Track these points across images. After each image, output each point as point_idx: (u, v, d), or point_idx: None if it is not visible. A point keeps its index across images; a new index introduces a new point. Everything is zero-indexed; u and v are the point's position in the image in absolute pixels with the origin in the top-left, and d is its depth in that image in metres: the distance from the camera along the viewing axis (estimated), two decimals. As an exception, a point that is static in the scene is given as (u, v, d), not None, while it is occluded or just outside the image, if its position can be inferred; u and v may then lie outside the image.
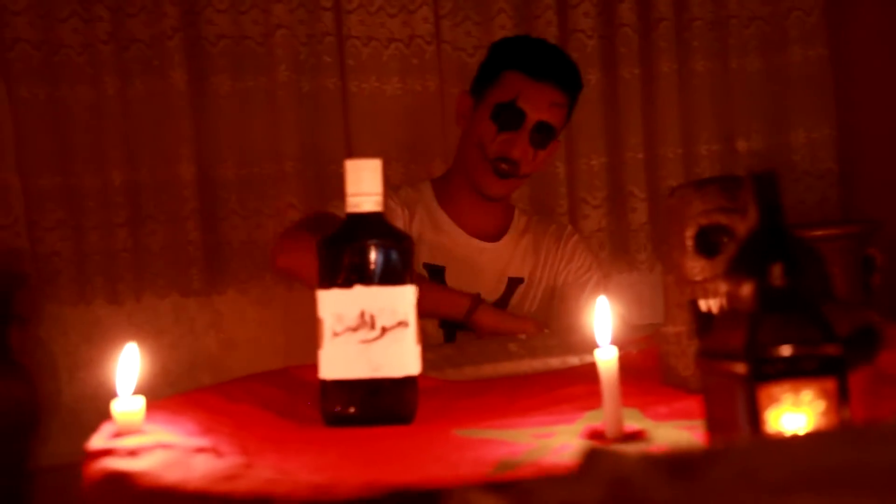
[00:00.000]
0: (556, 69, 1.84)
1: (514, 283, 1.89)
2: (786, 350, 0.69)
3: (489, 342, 1.38)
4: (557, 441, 0.96)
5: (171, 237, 2.32)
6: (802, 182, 2.58)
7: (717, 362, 0.72)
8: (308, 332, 1.12)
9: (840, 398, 0.69)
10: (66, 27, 2.26)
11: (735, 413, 0.71)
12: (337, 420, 1.06)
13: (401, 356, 1.06)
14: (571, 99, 1.89)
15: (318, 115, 2.37)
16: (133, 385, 0.90)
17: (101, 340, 2.42)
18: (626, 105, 2.49)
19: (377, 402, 1.06)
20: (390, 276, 1.07)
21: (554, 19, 2.44)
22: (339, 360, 1.06)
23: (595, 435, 0.97)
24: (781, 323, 0.70)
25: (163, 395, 2.47)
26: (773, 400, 0.70)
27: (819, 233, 2.16)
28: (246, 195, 2.37)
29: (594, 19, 2.47)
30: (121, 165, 2.29)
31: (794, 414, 0.70)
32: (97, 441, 0.83)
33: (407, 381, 1.07)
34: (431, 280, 1.79)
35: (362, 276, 1.06)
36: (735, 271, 0.73)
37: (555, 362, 1.32)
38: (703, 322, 1.14)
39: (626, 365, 1.22)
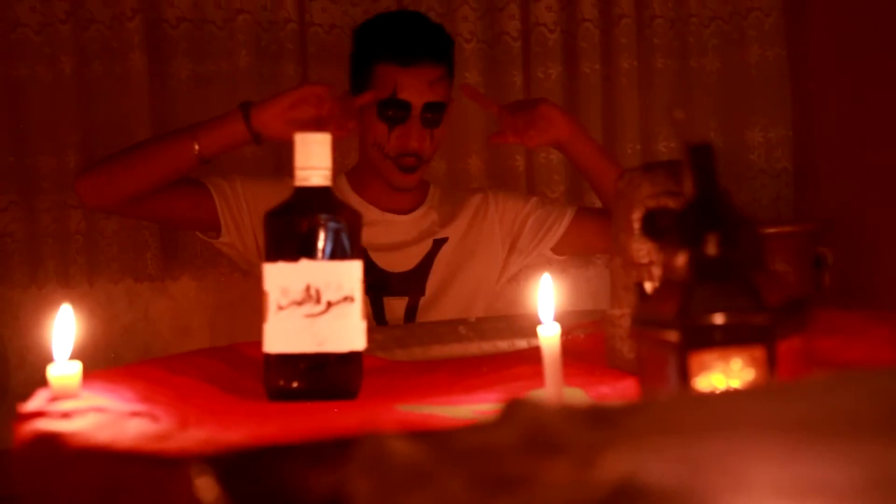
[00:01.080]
0: (424, 47, 1.83)
1: (438, 243, 1.92)
2: (718, 318, 0.70)
3: (438, 325, 1.39)
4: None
5: (126, 221, 2.30)
6: (758, 181, 2.61)
7: (650, 331, 0.73)
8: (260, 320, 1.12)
9: (768, 366, 0.70)
10: (24, 5, 2.24)
11: (667, 381, 0.71)
12: (280, 394, 1.06)
13: (346, 331, 1.06)
14: (449, 63, 1.89)
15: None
16: (69, 349, 0.90)
17: (53, 325, 2.40)
18: (586, 100, 2.50)
19: (321, 376, 1.06)
20: (337, 250, 1.07)
21: (517, 12, 2.45)
22: (283, 334, 1.05)
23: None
24: (714, 292, 0.71)
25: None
26: (704, 367, 0.70)
27: (772, 230, 2.18)
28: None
29: (557, 13, 2.48)
30: (76, 147, 2.26)
31: (723, 381, 0.71)
32: (32, 404, 0.82)
33: (351, 357, 1.07)
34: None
35: (308, 249, 1.06)
36: (670, 241, 0.74)
37: (503, 345, 1.33)
38: (643, 302, 1.15)
39: (572, 349, 1.24)
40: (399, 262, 1.88)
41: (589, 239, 1.97)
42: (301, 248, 1.06)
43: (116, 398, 0.88)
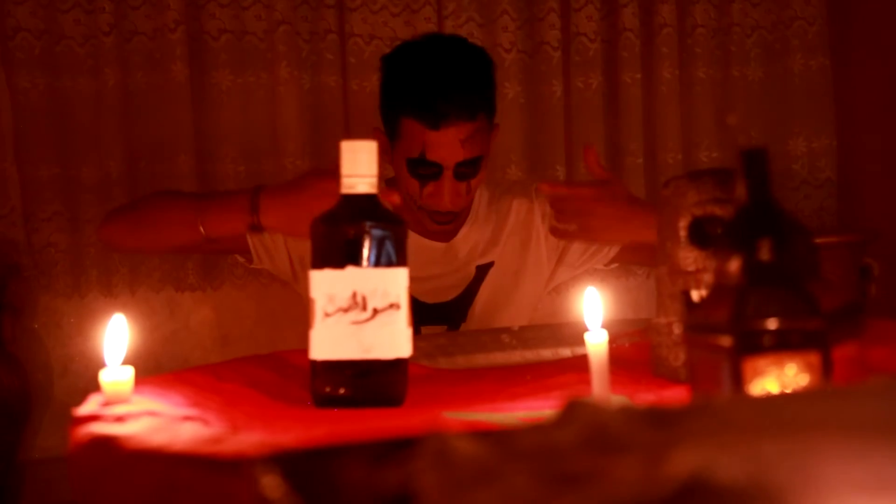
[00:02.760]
0: (452, 108, 1.65)
1: (482, 269, 1.82)
2: (771, 323, 0.70)
3: (481, 333, 1.39)
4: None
5: (168, 231, 2.33)
6: (801, 191, 2.60)
7: (703, 336, 0.73)
8: (303, 328, 1.12)
9: (823, 372, 0.69)
10: (68, 18, 2.28)
11: (720, 386, 0.71)
12: (327, 401, 1.06)
13: (392, 338, 1.07)
14: (486, 110, 1.74)
15: (318, 112, 2.39)
16: (122, 355, 0.91)
17: (96, 333, 2.43)
18: (627, 110, 2.50)
19: (367, 383, 1.07)
20: (383, 257, 1.07)
21: (557, 22, 2.46)
22: (329, 341, 1.06)
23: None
24: (767, 297, 0.71)
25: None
26: (758, 373, 0.70)
27: (818, 241, 2.17)
28: (245, 190, 2.37)
29: (597, 23, 2.49)
30: (119, 158, 2.30)
31: (777, 387, 0.70)
32: (85, 408, 0.83)
33: (397, 364, 1.07)
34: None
35: (355, 257, 1.07)
36: (723, 247, 0.74)
37: (547, 353, 1.33)
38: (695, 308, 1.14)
39: (617, 357, 1.23)
40: (438, 293, 1.79)
41: (646, 254, 1.86)
42: (347, 256, 1.06)
43: (168, 403, 0.89)
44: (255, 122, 2.38)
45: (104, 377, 0.87)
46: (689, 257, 1.15)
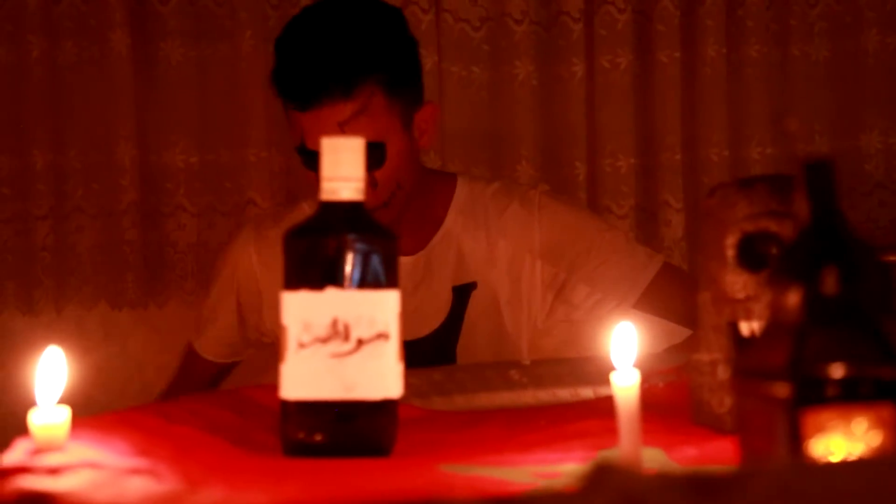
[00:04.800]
0: (321, 84, 1.66)
1: (462, 292, 1.80)
2: (837, 370, 0.72)
3: (485, 368, 1.41)
4: (563, 483, 0.98)
5: (103, 235, 2.35)
6: (874, 196, 2.62)
7: (754, 383, 0.75)
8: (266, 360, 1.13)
9: (898, 429, 0.72)
10: (-18, -25, 2.30)
11: (775, 443, 0.73)
12: (300, 449, 1.08)
13: (379, 375, 1.09)
14: (383, 86, 1.70)
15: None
16: (57, 394, 0.93)
17: (13, 356, 2.45)
18: (663, 96, 2.52)
19: (349, 428, 1.09)
20: (370, 278, 1.09)
21: (578, -14, 2.49)
22: (304, 377, 1.08)
23: (609, 476, 0.99)
24: (833, 338, 0.73)
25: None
26: (820, 428, 0.72)
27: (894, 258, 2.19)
28: (197, 188, 2.40)
29: (625, -12, 2.51)
30: (44, 145, 2.31)
31: (844, 445, 0.73)
32: (11, 457, 0.85)
33: (385, 405, 1.09)
34: None
35: (336, 276, 1.08)
36: (780, 276, 0.76)
37: (564, 394, 1.35)
38: (745, 348, 1.17)
39: (650, 400, 1.25)
40: (413, 326, 1.73)
41: (672, 304, 1.81)
42: (327, 275, 1.08)
43: (110, 451, 0.91)
44: (212, 105, 2.39)
45: (34, 419, 0.89)
46: (738, 282, 1.17)
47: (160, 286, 2.40)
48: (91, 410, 2.37)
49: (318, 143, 1.56)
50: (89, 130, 2.35)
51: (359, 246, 1.10)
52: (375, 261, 1.10)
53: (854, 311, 0.74)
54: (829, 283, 0.74)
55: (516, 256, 1.83)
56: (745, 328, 1.17)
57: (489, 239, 1.84)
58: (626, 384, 1.01)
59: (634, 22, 2.53)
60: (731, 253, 1.19)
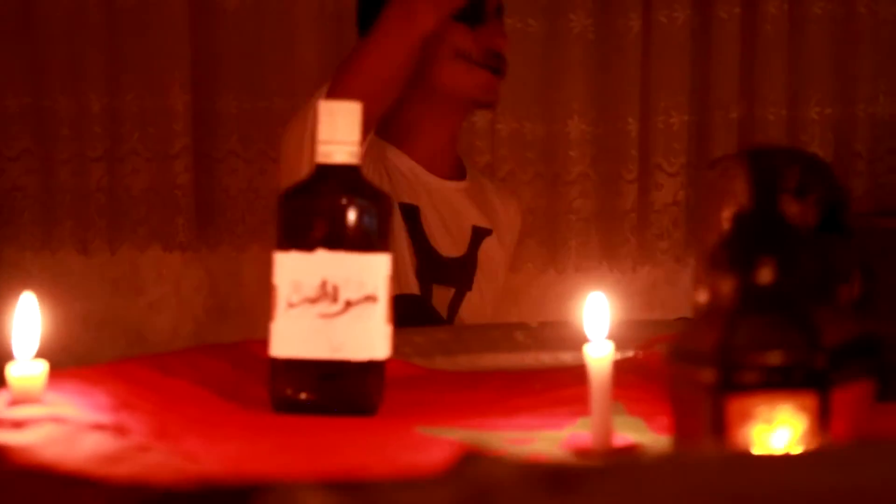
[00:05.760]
0: None
1: (479, 233, 1.98)
2: (762, 357, 0.73)
3: (491, 328, 1.43)
4: (531, 450, 1.00)
5: (157, 178, 2.41)
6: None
7: (686, 367, 0.76)
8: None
9: (821, 417, 0.72)
10: (44, -81, 2.35)
11: (702, 429, 0.75)
12: (287, 406, 1.12)
13: (366, 336, 1.12)
14: None
15: (341, 41, 2.42)
16: (33, 345, 0.97)
17: (70, 295, 2.53)
18: (720, 53, 2.50)
19: (335, 387, 1.12)
20: (361, 240, 1.12)
21: (635, -57, 2.47)
22: (293, 336, 1.11)
23: (578, 448, 1.01)
24: (762, 326, 0.74)
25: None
26: (746, 415, 0.74)
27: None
28: (250, 133, 2.44)
29: (686, -56, 2.49)
30: (101, 88, 2.37)
31: (768, 432, 0.74)
32: (-7, 408, 0.90)
33: (371, 366, 1.12)
34: (406, 219, 1.88)
35: (327, 238, 1.11)
36: (716, 262, 0.77)
37: (567, 357, 1.36)
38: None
39: (643, 368, 1.27)
40: (450, 245, 1.93)
41: None
42: (318, 236, 1.11)
43: (86, 404, 0.95)
44: (266, 52, 2.43)
45: (12, 372, 0.93)
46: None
47: (211, 229, 2.45)
48: (143, 347, 2.48)
49: None
50: (145, 75, 2.40)
51: (350, 209, 1.12)
52: (367, 224, 1.12)
53: (785, 300, 0.74)
54: (763, 272, 0.75)
55: (504, 229, 2.05)
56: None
57: (497, 204, 2.06)
58: (598, 355, 1.02)
59: (693, -28, 2.50)
60: (727, 225, 1.19)
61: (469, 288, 1.90)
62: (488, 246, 1.97)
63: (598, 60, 2.50)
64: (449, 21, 1.86)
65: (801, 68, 2.54)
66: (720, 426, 0.73)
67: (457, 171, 2.04)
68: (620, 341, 1.33)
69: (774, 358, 0.73)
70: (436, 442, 1.02)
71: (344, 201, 1.12)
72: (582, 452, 1.00)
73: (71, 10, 2.37)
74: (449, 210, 1.96)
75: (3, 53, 2.39)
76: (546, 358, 1.38)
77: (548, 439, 1.04)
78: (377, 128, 1.91)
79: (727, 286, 0.76)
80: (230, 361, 1.24)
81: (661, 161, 2.50)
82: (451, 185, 2.00)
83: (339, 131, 1.13)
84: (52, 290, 2.53)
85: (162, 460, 0.79)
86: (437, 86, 1.91)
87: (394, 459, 0.97)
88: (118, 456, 0.77)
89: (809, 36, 2.54)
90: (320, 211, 1.12)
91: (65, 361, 2.59)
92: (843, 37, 2.56)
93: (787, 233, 0.76)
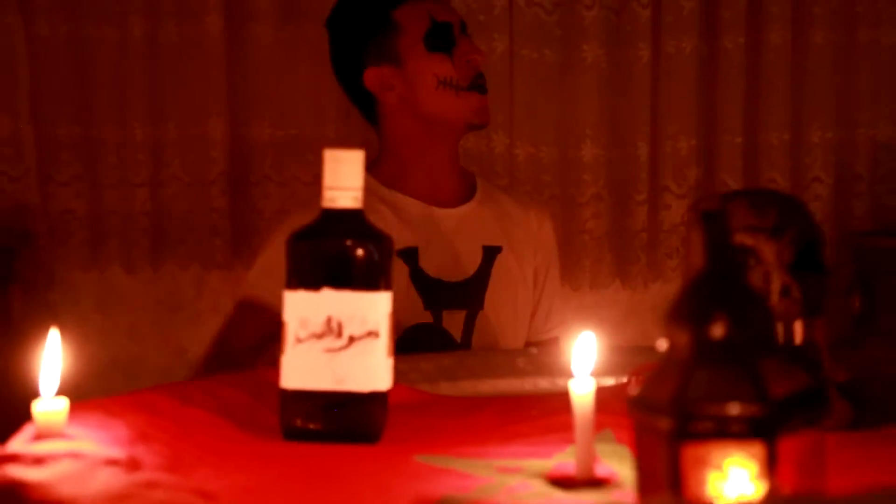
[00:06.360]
0: None
1: (490, 252, 1.93)
2: (713, 408, 0.74)
3: (495, 355, 1.45)
4: (517, 479, 1.02)
5: (195, 202, 2.44)
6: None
7: (646, 415, 0.78)
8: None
9: (768, 465, 0.74)
10: (93, -40, 2.40)
11: (661, 473, 0.77)
12: (296, 434, 1.14)
13: (368, 369, 1.14)
14: None
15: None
16: (56, 382, 1.00)
17: (117, 310, 2.58)
18: (726, 80, 2.51)
19: (340, 417, 1.14)
20: (363, 280, 1.14)
21: (647, -24, 2.48)
22: (301, 369, 1.14)
23: (562, 477, 1.03)
24: (714, 378, 0.75)
25: (179, 375, 2.59)
26: (699, 461, 0.75)
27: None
28: (282, 159, 2.47)
29: (695, -24, 2.49)
30: (144, 118, 2.41)
31: (721, 478, 0.75)
32: (13, 444, 0.93)
33: (374, 397, 1.14)
34: (406, 262, 1.86)
35: (332, 278, 1.13)
36: (673, 317, 0.78)
37: (563, 383, 1.38)
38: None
39: (622, 395, 1.28)
40: (450, 270, 1.89)
41: None
42: (324, 276, 1.14)
43: (105, 437, 0.98)
44: (298, 84, 2.46)
45: (37, 408, 0.96)
46: (714, 291, 1.19)
47: (246, 250, 2.48)
48: (183, 357, 2.51)
49: (447, 15, 1.88)
50: (184, 106, 2.43)
51: (354, 251, 1.14)
52: (369, 265, 1.15)
53: (736, 353, 0.76)
54: (715, 327, 0.76)
55: (524, 241, 1.99)
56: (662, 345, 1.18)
57: (513, 218, 2.00)
58: (582, 391, 1.04)
59: (700, 8, 2.51)
60: (706, 265, 1.20)
61: (481, 307, 1.88)
62: (502, 262, 1.93)
63: (610, 88, 2.51)
64: (424, 54, 1.87)
65: (803, 94, 2.54)
66: (676, 472, 0.75)
67: (463, 194, 1.97)
68: (613, 368, 1.37)
69: (724, 409, 0.74)
70: (432, 471, 1.04)
71: (347, 243, 1.14)
72: (565, 482, 1.02)
73: (117, 46, 2.40)
74: (455, 237, 1.92)
75: (55, 87, 2.43)
76: (544, 383, 1.39)
77: (534, 468, 1.05)
78: (374, 170, 1.92)
79: (683, 339, 0.77)
80: (247, 390, 1.27)
81: (669, 183, 2.51)
82: (456, 212, 1.94)
83: (342, 178, 1.16)
84: (100, 306, 2.59)
85: (166, 497, 0.81)
86: (429, 116, 1.89)
87: (392, 489, 0.99)
88: (125, 493, 0.80)
89: (811, 63, 2.54)
90: (325, 252, 1.15)
91: (112, 371, 2.65)
92: (843, 64, 2.56)
93: (739, 289, 0.78)
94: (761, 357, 0.76)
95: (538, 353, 1.44)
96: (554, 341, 1.99)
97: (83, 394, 2.49)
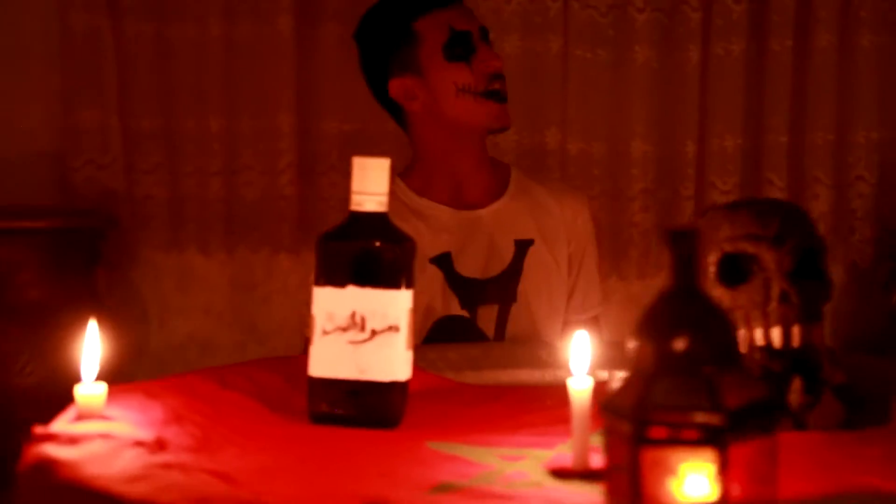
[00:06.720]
0: None
1: (522, 245, 1.93)
2: (670, 415, 0.77)
3: (519, 346, 1.48)
4: (516, 467, 1.06)
5: (266, 190, 2.51)
6: None
7: (613, 419, 0.81)
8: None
9: (719, 470, 0.77)
10: (178, -38, 2.47)
11: (623, 473, 0.80)
12: (321, 418, 1.19)
13: (389, 361, 1.18)
14: None
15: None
16: (96, 368, 1.05)
17: (194, 289, 2.66)
18: (773, 81, 2.50)
19: (361, 403, 1.19)
20: (385, 278, 1.18)
21: (698, -21, 2.47)
22: (327, 359, 1.19)
23: (558, 468, 1.06)
24: (671, 387, 0.78)
25: (250, 350, 2.65)
26: (657, 464, 0.78)
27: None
28: (348, 151, 2.52)
29: (744, -19, 2.48)
30: (220, 111, 2.48)
31: (677, 481, 0.78)
32: (55, 424, 0.99)
33: (393, 386, 1.19)
34: (441, 268, 1.86)
35: (356, 276, 1.18)
36: (641, 330, 0.81)
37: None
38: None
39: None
40: (484, 267, 1.90)
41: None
42: (349, 274, 1.18)
43: (141, 419, 1.04)
44: (362, 81, 2.49)
45: (78, 391, 1.02)
46: (716, 295, 1.21)
47: (313, 235, 2.51)
48: (254, 335, 2.59)
49: (466, 23, 1.88)
50: (257, 100, 2.50)
51: (378, 251, 1.19)
52: (391, 265, 1.19)
53: (694, 366, 0.79)
54: (676, 341, 0.79)
55: (557, 231, 1.98)
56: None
57: (546, 206, 1.98)
58: (580, 388, 1.08)
59: (750, 12, 2.50)
60: (712, 269, 1.22)
61: (514, 300, 1.89)
62: (534, 255, 1.92)
63: (660, 88, 2.51)
64: (444, 64, 1.88)
65: (849, 96, 2.51)
66: (636, 473, 0.78)
67: (494, 191, 1.96)
68: (619, 363, 1.39)
69: (679, 417, 0.77)
70: (439, 457, 1.08)
71: (372, 245, 1.19)
72: (561, 472, 1.05)
73: (196, 45, 2.48)
74: (486, 235, 1.92)
75: (140, 82, 2.51)
76: (563, 375, 1.42)
77: (534, 458, 1.09)
78: (406, 177, 1.96)
79: (647, 351, 0.80)
80: (284, 375, 1.32)
81: (715, 180, 2.51)
82: (485, 211, 1.94)
83: (369, 184, 1.21)
84: (178, 285, 2.68)
85: (181, 479, 0.86)
86: (451, 123, 1.90)
87: (395, 473, 1.03)
88: (142, 474, 0.85)
89: (857, 66, 2.51)
90: (351, 252, 1.20)
91: (189, 346, 2.73)
92: (887, 66, 2.53)
93: (702, 306, 0.80)
94: (719, 370, 0.79)
95: (560, 346, 1.47)
96: (593, 320, 2.00)
97: (164, 367, 2.58)
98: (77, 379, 1.05)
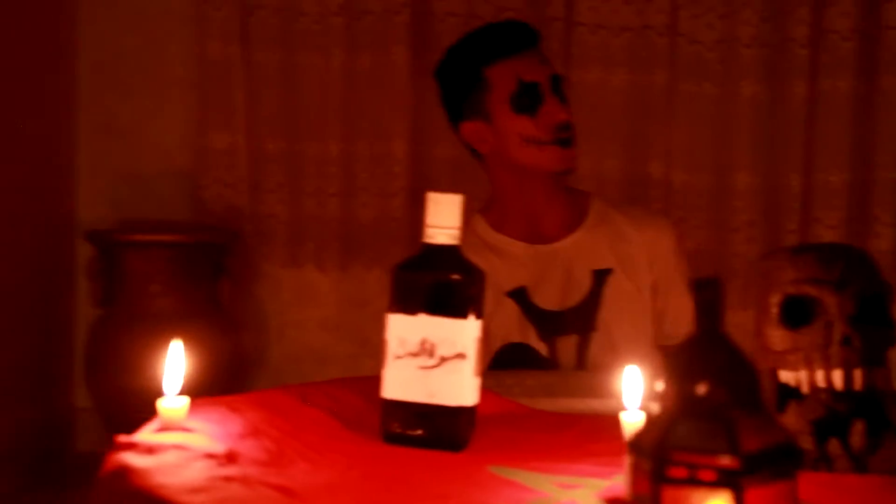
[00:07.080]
0: (524, 37, 1.93)
1: (600, 274, 1.92)
2: (687, 456, 0.78)
3: (597, 376, 1.49)
4: (570, 495, 1.07)
5: (379, 212, 2.58)
6: None
7: (638, 457, 0.83)
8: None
9: (736, 512, 0.77)
10: (307, -3, 2.56)
11: (648, 509, 0.81)
12: (392, 438, 1.23)
13: (456, 386, 1.21)
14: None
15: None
16: (179, 384, 1.11)
17: (311, 304, 2.74)
18: (883, 117, 2.44)
19: (431, 426, 1.22)
20: (454, 308, 1.21)
21: (807, 17, 2.44)
22: (398, 382, 1.22)
23: (613, 497, 1.07)
24: (693, 430, 0.79)
25: (363, 364, 2.73)
26: (674, 502, 0.79)
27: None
28: (459, 177, 2.57)
29: (853, 19, 2.44)
30: (339, 136, 2.56)
31: (694, 520, 0.79)
32: (138, 434, 1.04)
33: (460, 411, 1.22)
34: (518, 302, 1.86)
35: (427, 305, 1.21)
36: (668, 373, 0.83)
37: (654, 406, 1.41)
38: (781, 394, 1.20)
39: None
40: (562, 299, 1.90)
41: None
42: (420, 303, 1.22)
43: (219, 431, 1.09)
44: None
45: (161, 404, 1.08)
46: (778, 336, 1.20)
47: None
48: (367, 349, 2.67)
49: (536, 74, 1.87)
50: (373, 126, 2.57)
51: (448, 283, 1.22)
52: (460, 295, 1.22)
53: (714, 410, 0.80)
54: (701, 385, 0.80)
55: (637, 258, 1.95)
56: (783, 376, 1.20)
57: (625, 234, 1.96)
58: (633, 422, 1.09)
59: (858, 48, 2.46)
60: (774, 311, 1.22)
61: (594, 329, 1.89)
62: (612, 283, 1.91)
63: (765, 122, 2.49)
64: (510, 115, 1.88)
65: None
66: (657, 510, 0.80)
67: (570, 223, 1.96)
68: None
69: (697, 458, 0.78)
70: (497, 482, 1.11)
71: (442, 276, 1.22)
72: (614, 501, 1.06)
73: (318, 72, 2.57)
74: (563, 267, 1.92)
75: (266, 107, 2.61)
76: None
77: (590, 487, 1.10)
78: (486, 213, 1.97)
79: (671, 393, 0.81)
80: (364, 394, 1.36)
81: (820, 215, 2.47)
82: (561, 245, 1.94)
83: (442, 217, 1.24)
84: (296, 299, 2.76)
85: (240, 492, 0.91)
86: (518, 167, 1.91)
87: (450, 495, 1.06)
88: (204, 485, 0.89)
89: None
90: (423, 282, 1.23)
91: (305, 357, 2.81)
92: None
93: (726, 352, 0.81)
94: (739, 414, 0.79)
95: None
96: None
97: (282, 377, 2.67)
98: (197, 386, 1.11)
